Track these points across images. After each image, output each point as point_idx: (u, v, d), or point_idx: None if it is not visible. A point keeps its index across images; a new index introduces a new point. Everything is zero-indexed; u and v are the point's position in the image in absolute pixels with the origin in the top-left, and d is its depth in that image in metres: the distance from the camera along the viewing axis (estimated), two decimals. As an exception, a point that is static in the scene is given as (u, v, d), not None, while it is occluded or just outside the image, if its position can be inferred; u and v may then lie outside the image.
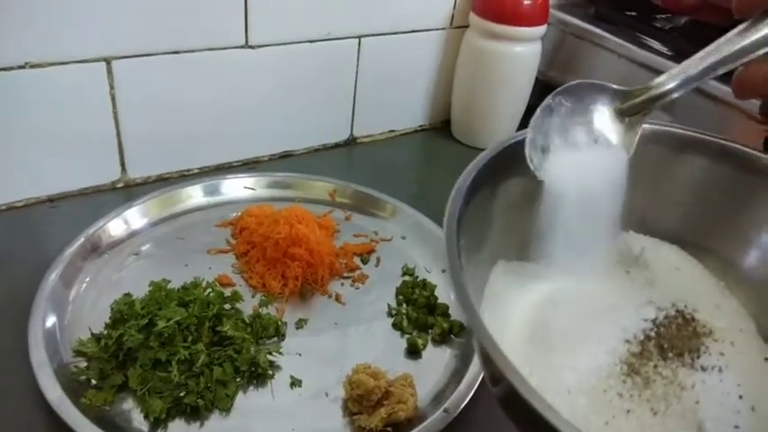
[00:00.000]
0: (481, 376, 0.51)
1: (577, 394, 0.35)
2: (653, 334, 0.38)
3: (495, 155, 0.39)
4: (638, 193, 0.43)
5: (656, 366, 0.37)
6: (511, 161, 0.40)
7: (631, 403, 0.35)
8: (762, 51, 0.36)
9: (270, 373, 0.51)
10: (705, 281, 0.44)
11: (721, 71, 0.38)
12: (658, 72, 0.73)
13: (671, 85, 0.39)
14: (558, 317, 0.40)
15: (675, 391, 0.36)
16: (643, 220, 0.46)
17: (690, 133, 0.45)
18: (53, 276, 0.55)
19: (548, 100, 0.40)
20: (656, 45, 0.78)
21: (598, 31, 0.82)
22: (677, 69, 0.39)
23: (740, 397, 0.37)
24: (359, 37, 0.78)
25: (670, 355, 0.38)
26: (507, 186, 0.41)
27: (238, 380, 0.50)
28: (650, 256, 0.44)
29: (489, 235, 0.41)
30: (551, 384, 0.35)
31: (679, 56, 0.74)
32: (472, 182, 0.37)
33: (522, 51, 0.81)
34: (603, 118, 0.42)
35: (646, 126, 0.43)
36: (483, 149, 0.39)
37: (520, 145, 0.39)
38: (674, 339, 0.38)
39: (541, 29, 0.80)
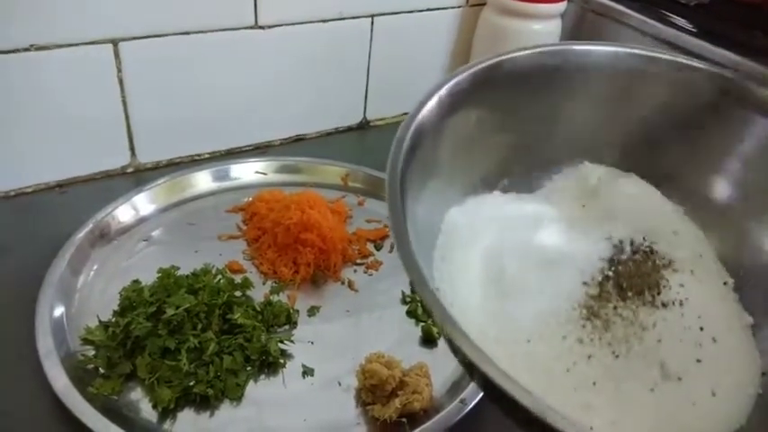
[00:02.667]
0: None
1: (537, 342, 0.35)
2: (611, 273, 0.38)
3: (438, 96, 0.37)
4: (594, 120, 0.42)
5: (615, 308, 0.36)
6: (459, 96, 0.38)
7: (592, 348, 0.35)
8: None
9: (281, 361, 0.50)
10: (663, 207, 0.43)
11: None
12: (683, 50, 0.71)
13: None
14: (512, 261, 0.39)
15: (636, 332, 0.35)
16: (598, 150, 0.44)
17: (648, 53, 0.42)
18: (61, 263, 0.54)
19: None
20: (682, 22, 0.74)
21: (620, 7, 0.79)
22: None
23: (701, 329, 0.36)
24: (372, 16, 0.76)
25: (629, 294, 0.37)
26: (454, 122, 0.39)
27: (249, 369, 0.49)
28: (607, 187, 0.43)
29: (439, 179, 0.39)
30: (509, 335, 0.35)
31: (705, 34, 0.71)
32: (416, 128, 0.35)
33: (542, 29, 0.78)
34: None
35: (601, 49, 0.42)
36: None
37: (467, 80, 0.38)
38: (633, 277, 0.38)
39: (561, 5, 0.78)
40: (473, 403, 0.46)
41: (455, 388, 0.49)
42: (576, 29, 0.84)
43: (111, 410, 0.44)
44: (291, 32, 0.71)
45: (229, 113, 0.73)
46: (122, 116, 0.66)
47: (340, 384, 0.49)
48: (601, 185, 0.43)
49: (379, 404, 0.46)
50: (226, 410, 0.47)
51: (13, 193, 0.64)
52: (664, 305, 0.37)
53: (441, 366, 0.50)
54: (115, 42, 0.62)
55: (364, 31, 0.77)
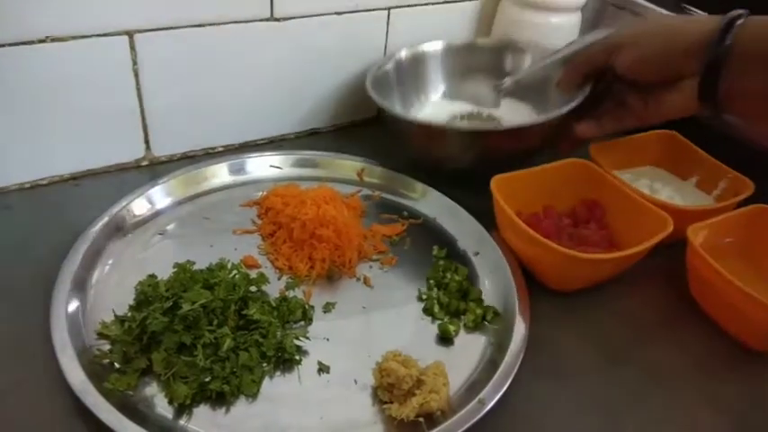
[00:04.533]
0: (518, 365, 0.49)
1: None
2: None
3: None
4: None
5: None
6: None
7: None
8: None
9: (297, 358, 0.50)
10: None
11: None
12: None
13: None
14: None
15: None
16: None
17: None
18: (76, 257, 0.54)
19: None
20: (703, 15, 0.73)
21: (640, 0, 0.78)
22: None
23: None
24: (388, 8, 0.75)
25: None
26: None
27: (265, 365, 0.49)
28: None
29: None
30: None
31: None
32: None
33: (561, 22, 0.77)
34: None
35: None
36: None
37: None
38: None
39: (581, -1, 0.76)
40: (492, 403, 0.46)
41: (473, 388, 0.48)
42: (596, 22, 0.83)
43: (126, 406, 0.44)
44: (307, 25, 0.71)
45: (244, 106, 0.73)
46: (137, 109, 0.66)
47: (356, 382, 0.49)
48: None
49: (396, 403, 0.46)
50: (241, 407, 0.46)
51: (28, 186, 0.64)
52: None
53: (458, 365, 0.50)
54: (131, 34, 0.61)
55: (380, 24, 0.76)
